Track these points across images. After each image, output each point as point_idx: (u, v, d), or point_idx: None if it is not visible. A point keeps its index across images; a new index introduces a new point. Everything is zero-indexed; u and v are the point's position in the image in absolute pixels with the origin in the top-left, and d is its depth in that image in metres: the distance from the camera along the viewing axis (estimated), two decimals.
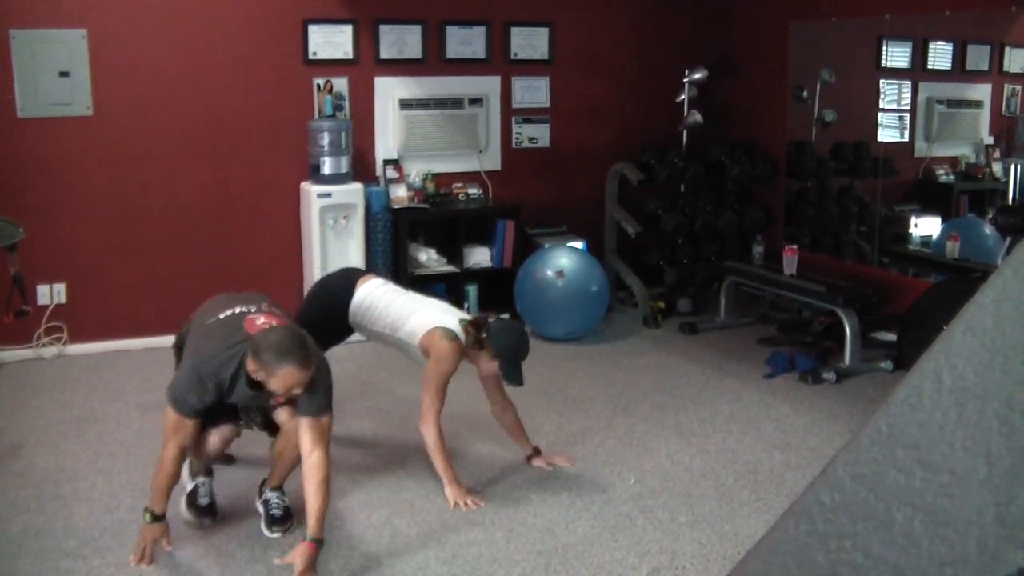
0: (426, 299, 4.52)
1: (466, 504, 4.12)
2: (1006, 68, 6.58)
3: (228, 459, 4.43)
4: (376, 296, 4.42)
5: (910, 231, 6.89)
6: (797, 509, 0.64)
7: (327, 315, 4.47)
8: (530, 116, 7.17)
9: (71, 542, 3.77)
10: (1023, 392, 0.58)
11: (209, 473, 4.02)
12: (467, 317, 4.37)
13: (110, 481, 4.31)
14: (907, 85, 6.90)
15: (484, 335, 4.22)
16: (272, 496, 3.94)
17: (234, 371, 3.50)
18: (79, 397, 5.40)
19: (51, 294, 6.07)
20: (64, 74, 5.91)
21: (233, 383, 3.52)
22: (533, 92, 7.14)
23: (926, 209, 6.80)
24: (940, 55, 6.90)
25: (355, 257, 6.38)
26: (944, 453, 0.60)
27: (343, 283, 4.56)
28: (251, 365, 3.44)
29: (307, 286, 6.49)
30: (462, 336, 4.21)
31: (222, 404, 3.61)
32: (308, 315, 4.45)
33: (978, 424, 0.59)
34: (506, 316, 4.41)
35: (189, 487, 3.95)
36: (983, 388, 0.60)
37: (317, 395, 3.55)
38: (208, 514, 3.95)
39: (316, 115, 6.47)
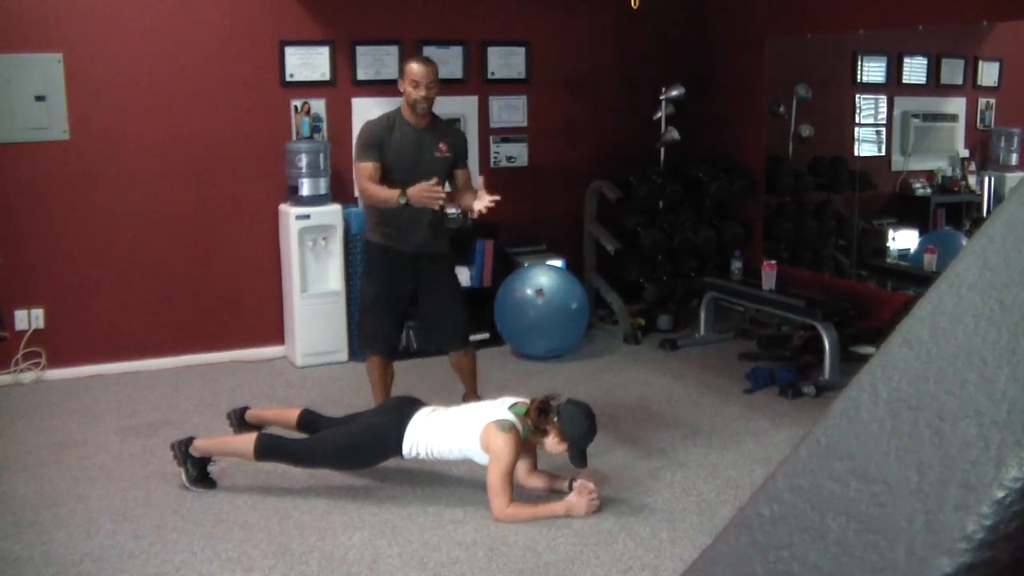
0: (471, 405, 4.51)
1: (592, 498, 4.12)
2: (980, 82, 6.66)
3: (210, 483, 4.44)
4: (426, 428, 4.27)
5: (888, 244, 6.94)
6: (738, 521, 0.65)
7: (375, 454, 4.39)
8: (508, 135, 7.19)
9: (50, 569, 3.74)
10: (954, 402, 0.60)
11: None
12: (519, 400, 4.32)
13: (89, 506, 4.28)
14: (883, 100, 6.97)
15: (555, 418, 4.17)
16: None
17: (390, 116, 4.93)
18: (58, 422, 5.37)
19: (29, 319, 6.04)
20: (40, 98, 5.89)
21: (391, 125, 4.89)
22: (510, 111, 7.17)
23: (904, 222, 6.85)
24: (915, 69, 6.97)
25: (334, 279, 6.38)
26: (878, 463, 0.61)
27: (395, 431, 4.30)
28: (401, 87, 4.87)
29: (287, 308, 6.49)
30: (517, 424, 4.16)
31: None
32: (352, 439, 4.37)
33: (911, 435, 0.61)
34: (569, 398, 4.37)
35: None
36: (917, 399, 0.62)
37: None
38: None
39: (294, 137, 6.47)
